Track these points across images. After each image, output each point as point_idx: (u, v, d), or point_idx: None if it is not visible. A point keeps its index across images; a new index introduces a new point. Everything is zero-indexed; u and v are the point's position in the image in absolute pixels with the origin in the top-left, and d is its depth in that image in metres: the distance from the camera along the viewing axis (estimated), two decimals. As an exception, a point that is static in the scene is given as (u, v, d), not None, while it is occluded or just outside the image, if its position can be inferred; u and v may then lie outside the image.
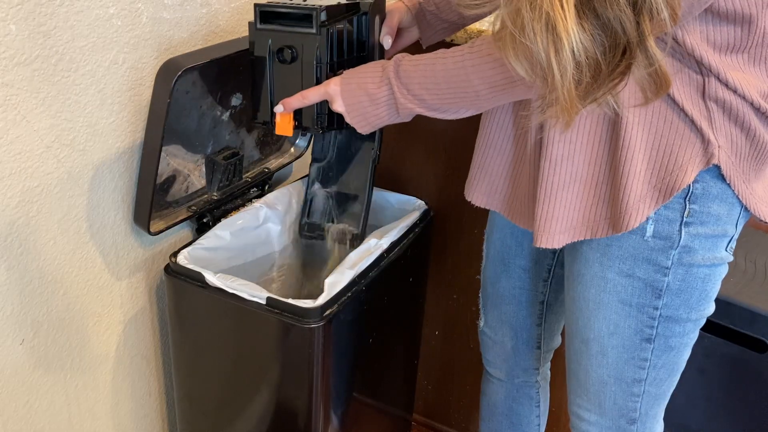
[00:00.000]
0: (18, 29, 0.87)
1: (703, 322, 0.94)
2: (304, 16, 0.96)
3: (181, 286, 1.09)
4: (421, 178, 1.51)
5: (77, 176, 1.01)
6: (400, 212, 1.31)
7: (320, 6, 0.96)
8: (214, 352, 1.14)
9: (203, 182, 1.23)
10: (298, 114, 1.01)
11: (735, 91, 0.81)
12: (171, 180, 1.16)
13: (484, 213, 1.20)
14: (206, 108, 1.15)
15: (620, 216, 0.86)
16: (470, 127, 1.41)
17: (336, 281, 1.05)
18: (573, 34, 0.66)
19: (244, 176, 1.29)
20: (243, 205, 1.26)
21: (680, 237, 0.86)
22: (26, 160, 0.93)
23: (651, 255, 0.88)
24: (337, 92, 0.93)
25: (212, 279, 1.05)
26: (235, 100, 1.20)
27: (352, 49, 1.03)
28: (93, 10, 0.95)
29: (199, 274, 1.06)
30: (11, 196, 0.93)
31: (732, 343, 1.33)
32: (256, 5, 0.97)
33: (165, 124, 1.01)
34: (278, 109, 0.98)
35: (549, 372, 1.28)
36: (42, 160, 0.95)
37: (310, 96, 0.96)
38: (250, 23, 0.99)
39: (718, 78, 0.80)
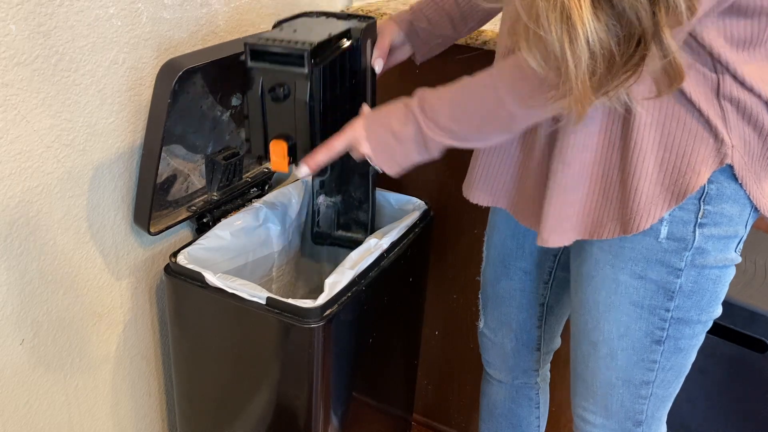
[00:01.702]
0: (18, 29, 0.87)
1: (710, 323, 0.93)
2: (295, 56, 0.93)
3: (181, 286, 1.09)
4: (421, 178, 1.51)
5: (77, 176, 1.01)
6: (400, 212, 1.31)
7: (311, 43, 0.93)
8: (214, 352, 1.14)
9: (203, 182, 1.23)
10: (292, 150, 0.98)
11: (751, 90, 0.80)
12: (171, 180, 1.16)
13: (483, 213, 1.20)
14: (206, 108, 1.15)
15: (630, 218, 0.85)
16: (470, 127, 1.41)
17: (336, 281, 1.05)
18: (588, 23, 0.65)
19: (244, 176, 1.29)
20: (243, 205, 1.26)
21: (694, 238, 0.86)
22: (26, 160, 0.93)
23: (664, 257, 0.87)
24: (362, 135, 0.91)
25: (212, 279, 1.05)
26: (235, 100, 1.20)
27: (345, 78, 1.02)
28: (93, 10, 0.95)
29: (199, 274, 1.06)
30: (11, 196, 0.93)
31: (732, 343, 1.33)
32: (246, 43, 0.95)
33: (165, 124, 1.01)
34: (304, 171, 0.94)
35: (549, 373, 1.28)
36: (42, 160, 0.95)
37: (336, 146, 0.93)
38: (240, 59, 0.96)
39: (734, 75, 0.79)
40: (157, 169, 1.04)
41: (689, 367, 0.97)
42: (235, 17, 1.19)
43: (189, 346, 1.16)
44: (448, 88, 0.87)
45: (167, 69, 0.99)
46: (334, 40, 0.98)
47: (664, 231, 0.86)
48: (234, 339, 1.10)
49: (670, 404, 1.00)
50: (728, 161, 0.82)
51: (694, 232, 0.85)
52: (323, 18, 1.08)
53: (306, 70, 0.93)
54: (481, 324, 1.22)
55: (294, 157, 0.99)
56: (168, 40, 1.08)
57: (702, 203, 0.84)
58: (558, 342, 1.24)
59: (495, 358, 1.22)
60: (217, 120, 1.19)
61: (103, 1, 0.96)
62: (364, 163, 1.16)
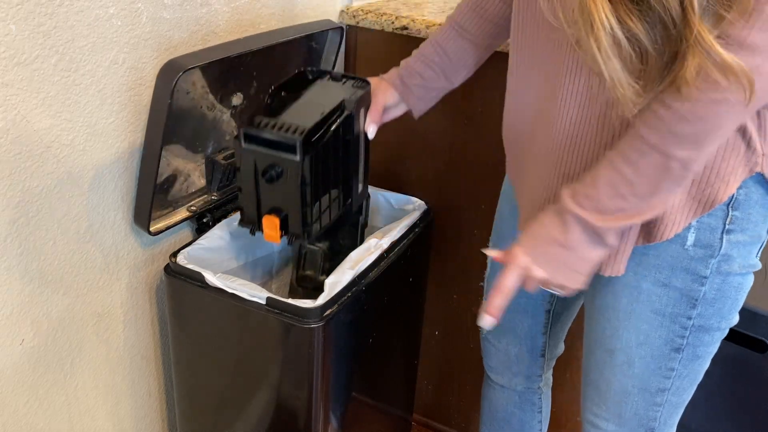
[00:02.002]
0: (18, 29, 0.87)
1: (727, 331, 0.92)
2: (287, 144, 0.95)
3: (181, 286, 1.09)
4: (421, 178, 1.51)
5: (77, 176, 1.01)
6: (400, 212, 1.31)
7: (302, 131, 0.95)
8: (214, 352, 1.14)
9: (203, 182, 1.23)
10: (284, 223, 1.01)
11: None
12: (171, 180, 1.16)
13: (484, 214, 1.20)
14: (207, 108, 1.15)
15: (654, 226, 0.84)
16: (470, 127, 1.41)
17: (336, 281, 1.05)
18: (602, 9, 0.67)
19: (244, 176, 1.29)
20: (243, 205, 1.26)
21: (721, 245, 0.84)
22: (26, 160, 0.93)
23: (690, 264, 0.86)
24: (528, 262, 0.84)
25: (212, 279, 1.05)
26: (236, 100, 1.20)
27: (338, 149, 1.03)
28: (93, 10, 0.95)
29: (199, 274, 1.06)
30: (11, 196, 0.93)
31: (732, 343, 1.33)
32: (240, 128, 0.98)
33: (166, 124, 1.01)
34: (489, 321, 0.88)
35: (551, 378, 1.27)
36: (42, 160, 0.95)
37: (509, 285, 0.86)
38: (234, 140, 0.99)
39: None
40: (158, 169, 1.04)
41: (703, 373, 0.96)
42: (235, 17, 1.19)
43: (189, 346, 1.16)
44: (595, 174, 0.80)
45: (168, 69, 0.99)
46: (326, 120, 0.99)
47: (691, 238, 0.85)
48: (234, 339, 1.10)
49: (682, 411, 0.99)
50: (758, 170, 0.81)
51: (722, 238, 0.84)
52: (318, 83, 1.09)
53: (297, 158, 0.95)
54: (484, 330, 1.21)
55: (286, 230, 1.01)
56: (168, 40, 1.08)
57: (730, 209, 0.83)
58: (562, 348, 1.23)
59: (498, 364, 1.21)
60: (218, 120, 1.19)
61: (103, 1, 0.96)
62: (356, 213, 1.18)
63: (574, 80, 0.84)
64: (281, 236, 1.01)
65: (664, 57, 0.69)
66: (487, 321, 0.87)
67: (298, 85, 1.07)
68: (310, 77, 1.10)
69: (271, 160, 0.97)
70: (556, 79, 0.86)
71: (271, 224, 1.00)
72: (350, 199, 1.13)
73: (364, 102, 1.06)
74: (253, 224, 1.04)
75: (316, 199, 1.01)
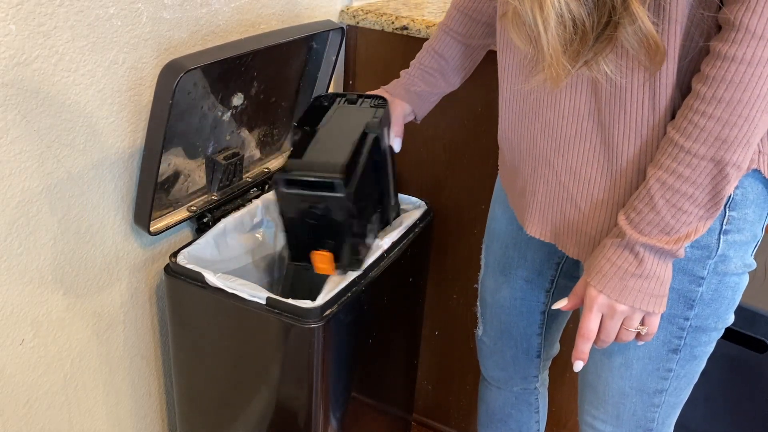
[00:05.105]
0: (18, 29, 0.87)
1: (723, 330, 0.92)
2: (328, 184, 0.94)
3: (181, 286, 1.09)
4: (421, 178, 1.51)
5: (77, 176, 1.01)
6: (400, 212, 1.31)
7: (339, 166, 0.93)
8: (213, 352, 1.14)
9: (203, 182, 1.23)
10: (337, 256, 1.01)
11: None
12: (171, 180, 1.16)
13: (484, 213, 1.20)
14: (207, 108, 1.15)
15: None
16: (470, 127, 1.41)
17: (336, 281, 1.05)
18: None
19: (244, 176, 1.29)
20: (243, 205, 1.26)
21: (718, 246, 0.84)
22: (26, 160, 0.93)
23: (687, 265, 0.85)
24: (606, 301, 0.82)
25: (212, 279, 1.05)
26: (237, 101, 1.20)
27: (371, 175, 1.04)
28: (93, 10, 0.95)
29: (199, 274, 1.06)
30: (11, 196, 0.93)
31: (732, 343, 1.33)
32: (277, 175, 0.96)
33: (167, 125, 1.01)
34: (579, 365, 0.87)
35: (548, 378, 1.27)
36: (42, 160, 0.95)
37: (591, 328, 0.84)
38: (275, 185, 0.97)
39: None
40: (158, 169, 1.04)
41: (699, 374, 0.96)
42: (235, 17, 1.19)
43: (189, 346, 1.16)
44: (648, 197, 0.78)
45: (169, 70, 0.99)
46: (356, 145, 0.99)
47: None
48: (234, 339, 1.10)
49: (679, 411, 0.99)
50: (754, 166, 0.80)
51: (719, 239, 0.83)
52: (336, 108, 1.09)
53: (342, 194, 0.93)
54: (479, 331, 1.21)
55: (339, 261, 1.01)
56: (168, 40, 1.08)
57: (727, 209, 0.83)
58: (557, 348, 1.23)
59: (494, 365, 1.21)
60: (218, 120, 1.19)
61: (103, 1, 0.96)
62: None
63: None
64: (335, 268, 1.02)
65: (598, 27, 0.71)
66: (579, 365, 0.87)
67: (316, 115, 1.08)
68: (326, 103, 1.11)
69: (314, 200, 0.96)
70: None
71: (323, 259, 1.00)
72: (387, 217, 1.17)
73: (387, 120, 1.08)
74: (303, 261, 1.04)
75: (364, 227, 1.03)
